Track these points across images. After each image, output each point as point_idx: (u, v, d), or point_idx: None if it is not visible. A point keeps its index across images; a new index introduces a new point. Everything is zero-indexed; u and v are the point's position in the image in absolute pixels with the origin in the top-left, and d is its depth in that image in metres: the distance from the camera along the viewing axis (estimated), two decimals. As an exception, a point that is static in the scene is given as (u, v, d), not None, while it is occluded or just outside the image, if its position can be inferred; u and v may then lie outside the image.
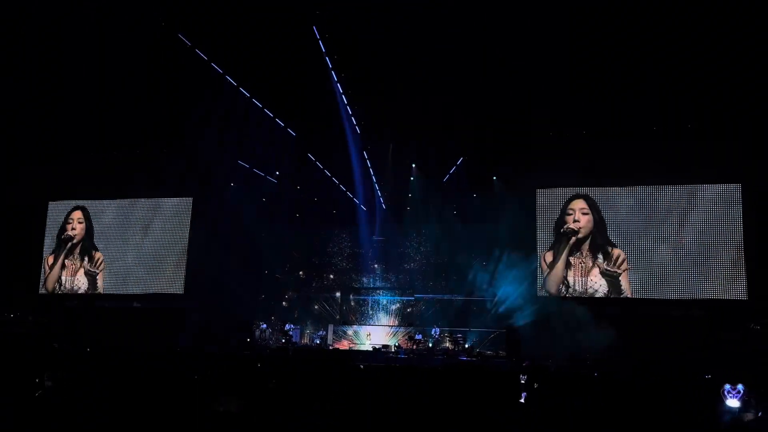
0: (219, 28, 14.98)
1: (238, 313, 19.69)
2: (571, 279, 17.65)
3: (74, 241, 20.78)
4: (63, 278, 20.65)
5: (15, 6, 13.52)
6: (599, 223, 17.71)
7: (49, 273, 20.76)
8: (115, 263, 20.36)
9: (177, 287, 19.63)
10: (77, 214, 20.99)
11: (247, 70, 16.69)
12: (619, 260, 17.32)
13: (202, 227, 19.83)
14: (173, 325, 18.64)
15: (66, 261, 20.75)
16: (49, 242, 20.84)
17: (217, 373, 7.74)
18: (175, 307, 19.32)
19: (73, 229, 20.86)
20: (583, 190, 17.92)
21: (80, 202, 20.87)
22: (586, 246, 17.73)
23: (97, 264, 20.49)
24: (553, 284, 17.74)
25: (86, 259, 20.67)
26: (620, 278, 17.28)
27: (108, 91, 16.45)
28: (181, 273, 19.67)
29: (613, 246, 17.54)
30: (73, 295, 20.41)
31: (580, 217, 17.86)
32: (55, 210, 21.04)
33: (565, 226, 17.87)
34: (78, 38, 14.29)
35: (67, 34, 14.24)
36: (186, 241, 19.85)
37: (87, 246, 20.78)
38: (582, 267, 17.62)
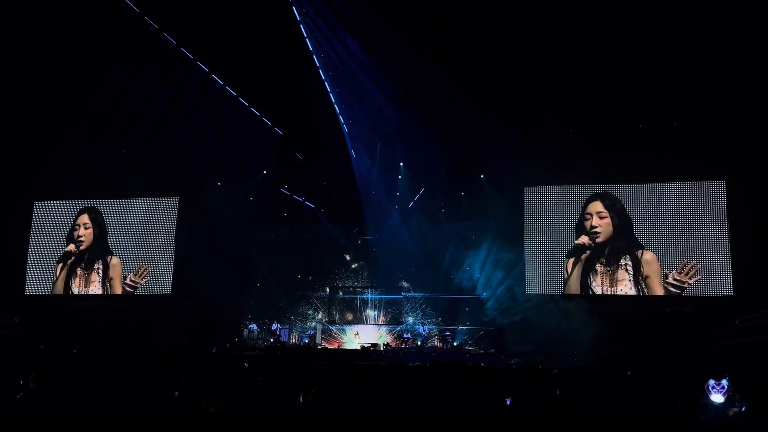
0: (205, 27, 14.90)
1: (225, 313, 19.61)
2: (597, 288, 16.78)
3: (82, 248, 20.11)
4: (74, 289, 20.00)
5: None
6: (621, 225, 16.87)
7: (57, 283, 20.04)
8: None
9: (164, 287, 19.50)
10: (83, 219, 20.28)
11: (234, 68, 16.64)
12: (692, 271, 16.12)
13: (188, 227, 19.70)
14: (160, 324, 18.54)
15: (78, 270, 20.07)
16: (35, 243, 20.54)
17: (205, 373, 7.69)
18: (163, 306, 19.20)
19: (80, 236, 20.16)
20: (592, 188, 17.42)
21: (67, 203, 20.56)
22: (607, 251, 16.83)
23: (141, 274, 19.50)
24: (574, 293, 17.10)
25: (100, 266, 19.99)
26: (654, 284, 16.38)
27: (91, 90, 16.32)
28: (169, 273, 19.54)
29: (642, 248, 16.66)
30: (55, 296, 20.12)
31: (597, 222, 16.97)
32: (40, 210, 20.76)
33: (576, 242, 16.99)
34: (60, 36, 14.17)
35: (50, 32, 14.12)
36: (173, 240, 19.72)
37: (98, 252, 20.09)
38: (609, 274, 16.71)
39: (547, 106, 15.91)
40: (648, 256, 16.70)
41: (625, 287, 16.66)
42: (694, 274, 16.29)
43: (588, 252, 17.00)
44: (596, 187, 17.55)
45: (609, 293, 16.72)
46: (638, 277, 16.64)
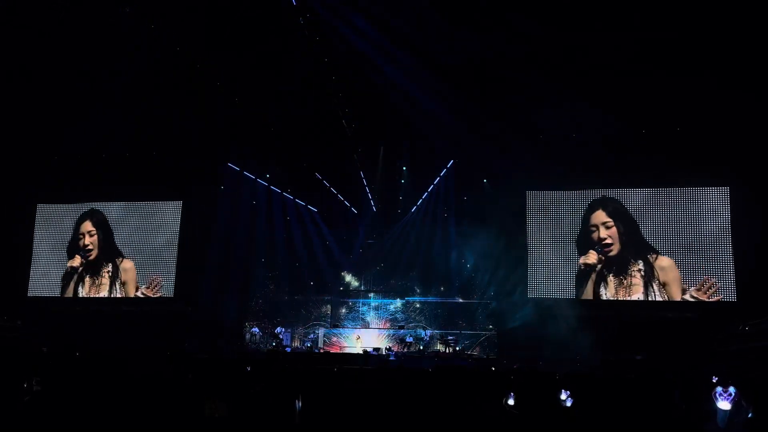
0: (205, 30, 14.89)
1: (228, 316, 19.60)
2: (611, 297, 16.52)
3: (91, 258, 19.91)
4: (84, 294, 19.84)
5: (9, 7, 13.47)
6: (627, 231, 16.57)
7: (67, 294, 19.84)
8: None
9: (167, 291, 19.50)
10: (86, 227, 20.06)
11: (238, 72, 16.64)
12: (711, 290, 15.89)
13: (192, 230, 19.70)
14: (163, 328, 18.53)
15: (86, 277, 19.89)
16: (38, 246, 20.52)
17: (207, 377, 7.70)
18: (165, 310, 19.20)
19: (86, 245, 19.98)
20: (594, 192, 17.30)
21: (71, 205, 20.55)
22: (619, 261, 16.56)
23: (153, 288, 19.25)
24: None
25: (109, 270, 19.75)
26: (674, 291, 16.22)
27: (97, 92, 16.34)
28: (171, 276, 19.54)
29: (655, 252, 16.38)
30: (60, 299, 20.12)
31: (605, 233, 16.60)
32: (44, 213, 20.77)
33: (585, 261, 16.64)
34: (60, 36, 14.20)
35: (50, 32, 14.15)
36: (176, 244, 19.71)
37: (106, 256, 19.89)
38: (623, 283, 16.44)
39: (548, 109, 15.89)
40: (664, 262, 16.44)
41: (638, 294, 16.40)
42: (714, 293, 16.06)
43: (599, 266, 16.71)
44: (599, 191, 17.46)
45: (621, 299, 16.45)
46: (653, 283, 16.41)
